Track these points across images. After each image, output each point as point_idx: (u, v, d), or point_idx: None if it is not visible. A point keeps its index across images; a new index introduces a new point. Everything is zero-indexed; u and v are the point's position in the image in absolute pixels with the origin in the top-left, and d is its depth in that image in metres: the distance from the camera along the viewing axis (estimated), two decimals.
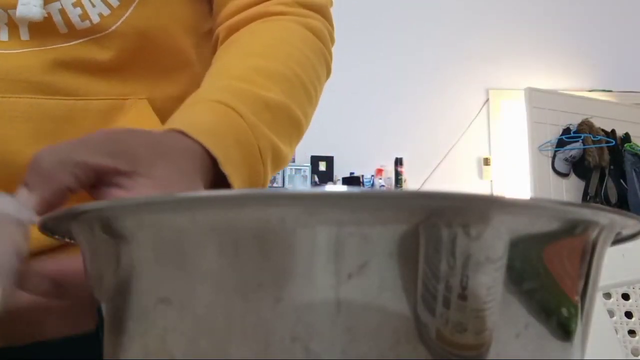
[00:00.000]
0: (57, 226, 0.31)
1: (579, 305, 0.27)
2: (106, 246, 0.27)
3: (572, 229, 0.26)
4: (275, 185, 3.96)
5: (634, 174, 3.72)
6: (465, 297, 0.23)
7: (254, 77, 0.50)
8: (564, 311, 0.26)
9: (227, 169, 0.43)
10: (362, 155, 4.41)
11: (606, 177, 3.72)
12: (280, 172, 4.03)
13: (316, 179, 4.32)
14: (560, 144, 3.75)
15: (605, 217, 0.26)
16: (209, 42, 0.62)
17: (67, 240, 0.31)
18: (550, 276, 0.25)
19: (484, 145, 4.55)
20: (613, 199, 3.69)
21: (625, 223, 0.28)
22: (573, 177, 3.79)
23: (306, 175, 4.29)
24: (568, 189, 3.75)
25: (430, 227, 0.23)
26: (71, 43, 0.53)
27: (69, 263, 0.34)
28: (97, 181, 0.38)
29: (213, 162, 0.43)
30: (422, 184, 4.42)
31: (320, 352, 0.23)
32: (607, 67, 4.67)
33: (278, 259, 0.23)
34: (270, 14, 0.57)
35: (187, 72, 0.60)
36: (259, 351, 0.23)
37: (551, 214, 0.25)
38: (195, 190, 0.40)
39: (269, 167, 0.49)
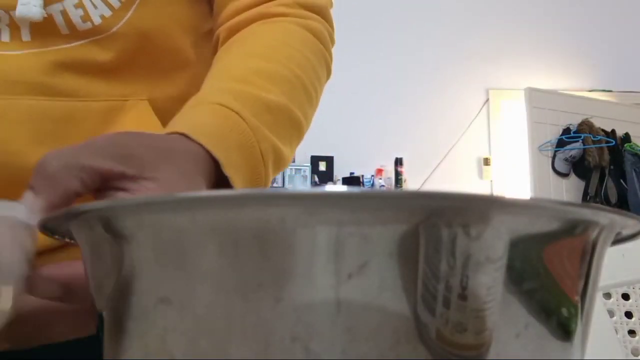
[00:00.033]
0: (57, 226, 0.31)
1: (579, 305, 0.27)
2: (106, 246, 0.27)
3: (572, 229, 0.26)
4: (275, 185, 3.96)
5: (634, 174, 3.72)
6: (465, 297, 0.23)
7: (255, 78, 0.50)
8: (564, 311, 0.26)
9: (229, 171, 0.44)
10: (362, 155, 4.41)
11: (606, 177, 3.72)
12: (280, 172, 4.01)
13: (316, 179, 4.32)
14: (560, 144, 3.75)
15: (605, 217, 0.26)
16: (208, 42, 0.62)
17: (67, 240, 0.31)
18: (550, 276, 0.25)
19: (484, 145, 4.56)
20: (613, 199, 3.69)
21: (625, 223, 0.28)
22: (573, 177, 3.79)
23: (306, 175, 4.29)
24: (568, 189, 3.75)
25: (430, 227, 0.23)
26: (72, 44, 0.53)
27: (78, 267, 0.34)
28: (103, 185, 0.38)
29: (215, 165, 0.44)
30: (422, 184, 4.42)
31: (320, 352, 0.23)
32: (607, 67, 4.67)
33: (278, 259, 0.23)
34: (271, 15, 0.57)
35: (187, 73, 0.60)
36: (259, 351, 0.23)
37: (551, 214, 0.25)
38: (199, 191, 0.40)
39: (270, 168, 0.49)
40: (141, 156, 0.39)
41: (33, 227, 0.34)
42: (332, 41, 0.61)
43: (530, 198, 0.24)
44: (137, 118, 0.54)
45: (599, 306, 0.93)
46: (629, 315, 0.97)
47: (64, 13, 0.52)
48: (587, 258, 0.27)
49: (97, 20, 0.53)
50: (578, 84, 4.62)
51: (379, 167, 4.41)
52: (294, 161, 4.08)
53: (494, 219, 0.24)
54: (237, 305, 0.23)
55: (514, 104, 4.44)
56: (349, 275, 0.23)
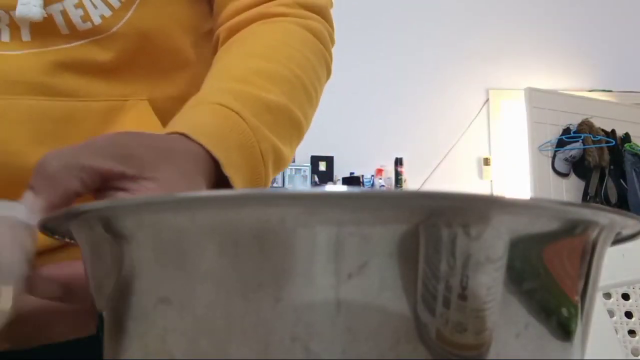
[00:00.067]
0: (57, 226, 0.31)
1: (579, 305, 0.27)
2: (106, 246, 0.27)
3: (572, 229, 0.26)
4: (275, 185, 3.96)
5: (634, 174, 3.72)
6: (465, 297, 0.23)
7: (255, 78, 0.50)
8: (564, 311, 0.26)
9: (229, 171, 0.44)
10: (362, 155, 4.41)
11: (606, 177, 3.72)
12: (280, 172, 4.01)
13: (316, 179, 4.32)
14: (560, 144, 3.75)
15: (605, 217, 0.26)
16: (208, 42, 0.62)
17: (67, 240, 0.32)
18: (550, 276, 0.25)
19: (484, 145, 4.56)
20: (613, 199, 3.69)
21: (625, 223, 0.28)
22: (573, 177, 3.79)
23: (306, 175, 4.29)
24: (568, 189, 3.75)
25: (430, 227, 0.23)
26: (72, 44, 0.53)
27: (78, 267, 0.34)
28: (103, 185, 0.38)
29: (215, 165, 0.44)
30: (422, 184, 4.42)
31: (320, 352, 0.23)
32: (607, 67, 4.67)
33: (278, 259, 0.23)
34: (271, 15, 0.57)
35: (187, 72, 0.60)
36: (259, 351, 0.23)
37: (551, 214, 0.25)
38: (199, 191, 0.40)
39: (270, 168, 0.49)
40: (141, 156, 0.39)
41: (33, 227, 0.34)
42: (332, 41, 0.61)
43: (530, 198, 0.24)
44: (137, 118, 0.54)
45: (599, 306, 0.93)
46: (629, 315, 0.97)
47: (64, 13, 0.52)
48: (587, 258, 0.27)
49: (97, 20, 0.53)
50: (578, 84, 4.62)
51: (379, 167, 4.41)
52: (294, 161, 4.08)
53: (494, 219, 0.24)
54: (237, 305, 0.23)
55: (514, 104, 4.44)
56: (349, 275, 0.23)
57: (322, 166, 4.40)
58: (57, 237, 0.32)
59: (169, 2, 0.58)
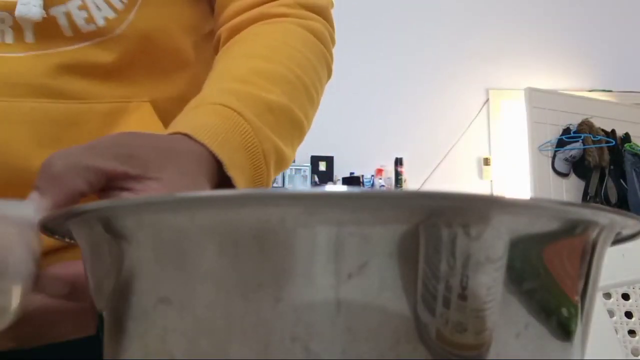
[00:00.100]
0: (57, 226, 0.31)
1: (579, 305, 0.27)
2: (106, 246, 0.27)
3: (572, 229, 0.26)
4: (275, 185, 3.96)
5: (634, 174, 3.72)
6: (465, 297, 0.23)
7: (256, 79, 0.50)
8: (564, 311, 0.26)
9: (232, 171, 0.44)
10: (362, 155, 4.41)
11: (606, 177, 3.72)
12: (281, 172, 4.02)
13: (316, 179, 4.32)
14: (560, 144, 3.75)
15: (605, 217, 0.26)
16: (209, 43, 0.62)
17: (67, 240, 0.32)
18: (550, 276, 0.25)
19: (484, 145, 4.55)
20: (613, 199, 3.68)
21: (625, 223, 0.28)
22: (573, 177, 3.79)
23: (306, 175, 4.29)
24: (568, 189, 3.75)
25: (430, 227, 0.23)
26: (75, 46, 0.53)
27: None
28: (107, 185, 0.38)
29: (218, 165, 0.44)
30: (422, 184, 4.42)
31: (320, 352, 0.23)
32: (607, 67, 4.67)
33: (278, 259, 0.23)
34: (272, 16, 0.57)
35: (187, 73, 0.60)
36: (259, 351, 0.23)
37: (551, 214, 0.25)
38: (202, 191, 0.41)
39: (272, 169, 0.49)
40: (144, 156, 0.39)
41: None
42: (333, 41, 0.61)
43: (530, 198, 0.24)
44: (140, 120, 0.54)
45: (599, 306, 0.93)
46: (629, 315, 0.97)
47: (67, 15, 0.52)
48: (587, 258, 0.27)
49: (100, 22, 0.53)
50: (578, 84, 4.62)
51: (379, 167, 4.41)
52: (294, 161, 4.07)
53: (494, 219, 0.24)
54: (237, 305, 0.23)
55: (514, 104, 4.43)
56: (349, 275, 0.23)
57: (322, 166, 4.40)
58: (57, 237, 0.32)
59: (170, 2, 0.58)
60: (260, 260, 0.23)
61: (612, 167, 3.74)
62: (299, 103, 0.53)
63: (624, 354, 0.93)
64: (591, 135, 3.72)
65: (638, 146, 3.82)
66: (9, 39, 0.51)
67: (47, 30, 0.52)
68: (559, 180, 3.76)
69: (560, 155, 3.75)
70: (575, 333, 0.27)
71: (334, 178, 4.38)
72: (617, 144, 3.80)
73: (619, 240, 0.30)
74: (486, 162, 4.53)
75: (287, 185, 4.19)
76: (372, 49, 4.51)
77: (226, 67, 0.54)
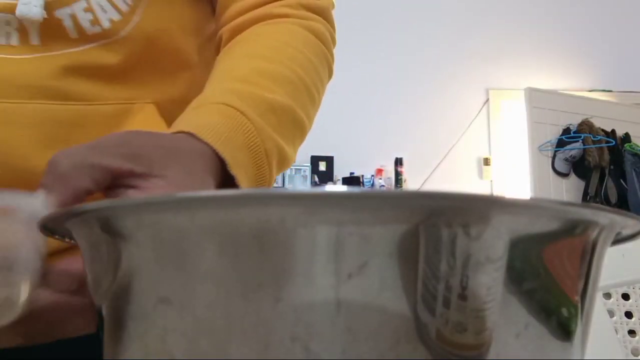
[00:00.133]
0: (57, 226, 0.31)
1: (579, 305, 0.27)
2: (106, 246, 0.27)
3: (572, 229, 0.26)
4: (275, 185, 3.95)
5: (634, 174, 3.72)
6: (465, 297, 0.23)
7: (259, 79, 0.51)
8: (564, 311, 0.26)
9: (235, 171, 0.44)
10: (362, 155, 4.41)
11: (606, 177, 3.72)
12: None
13: (316, 179, 4.32)
14: (560, 144, 3.75)
15: (605, 217, 0.26)
16: (211, 44, 0.63)
17: (67, 240, 0.32)
18: (550, 276, 0.25)
19: (484, 145, 4.55)
20: (613, 199, 3.68)
21: (625, 223, 0.28)
22: (573, 177, 3.79)
23: (306, 175, 4.29)
24: (568, 189, 3.75)
25: (430, 227, 0.23)
26: (81, 48, 0.53)
27: None
28: (113, 183, 0.39)
29: (221, 164, 0.44)
30: (422, 184, 4.42)
31: (320, 352, 0.23)
32: (607, 67, 4.67)
33: (278, 259, 0.23)
34: (274, 16, 0.58)
35: (189, 74, 0.61)
36: (259, 351, 0.23)
37: (551, 214, 0.25)
38: (207, 190, 0.41)
39: (274, 168, 0.49)
40: (149, 155, 0.40)
41: None
42: (334, 42, 0.62)
43: (530, 198, 0.24)
44: (144, 121, 0.55)
45: (599, 306, 0.93)
46: (629, 315, 0.97)
47: (72, 17, 0.52)
48: (587, 258, 0.27)
49: (106, 24, 0.53)
50: (578, 84, 4.62)
51: (379, 167, 4.41)
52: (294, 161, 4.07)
53: (494, 219, 0.24)
54: (237, 305, 0.23)
55: (514, 104, 4.43)
56: (349, 275, 0.23)
57: (322, 166, 4.39)
58: (57, 237, 0.32)
59: (174, 4, 0.58)
60: (260, 260, 0.23)
61: (612, 167, 3.74)
62: (301, 103, 0.53)
63: (624, 354, 0.93)
64: (591, 135, 3.72)
65: (638, 146, 3.82)
66: (14, 41, 0.51)
67: (52, 32, 0.52)
68: (559, 180, 3.76)
69: (560, 155, 3.75)
70: (575, 333, 0.27)
71: (334, 178, 4.38)
72: (617, 144, 3.80)
73: (619, 240, 0.30)
74: (486, 162, 4.53)
75: (287, 185, 4.18)
76: (373, 49, 4.51)
77: (228, 67, 0.54)
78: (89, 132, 0.52)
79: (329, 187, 0.23)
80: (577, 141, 3.72)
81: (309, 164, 4.33)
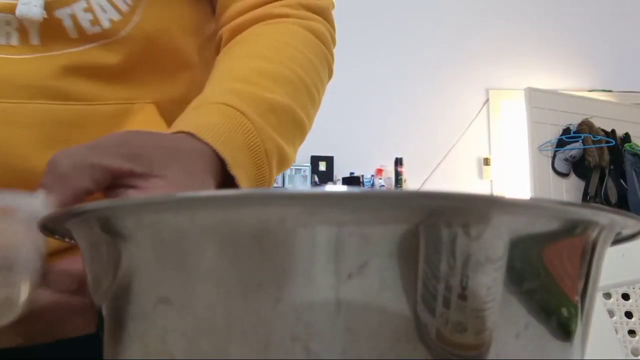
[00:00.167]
0: (57, 226, 0.31)
1: (579, 305, 0.27)
2: (106, 246, 0.27)
3: (572, 229, 0.26)
4: (275, 185, 3.95)
5: (634, 174, 3.72)
6: (465, 297, 0.23)
7: (258, 79, 0.51)
8: (564, 311, 0.26)
9: (235, 171, 0.44)
10: (362, 155, 4.41)
11: (606, 177, 3.72)
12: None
13: (316, 179, 4.32)
14: (560, 144, 3.75)
15: (605, 217, 0.26)
16: (211, 44, 0.63)
17: (66, 240, 0.32)
18: (550, 276, 0.25)
19: (484, 145, 4.55)
20: (613, 199, 3.68)
21: (625, 223, 0.28)
22: (573, 177, 3.79)
23: (306, 175, 4.29)
24: (568, 189, 3.75)
25: (430, 227, 0.23)
26: (81, 48, 0.53)
27: None
28: (113, 183, 0.39)
29: (221, 164, 0.44)
30: (422, 184, 4.42)
31: (320, 352, 0.23)
32: (607, 67, 4.67)
33: (278, 259, 0.23)
34: (274, 16, 0.58)
35: (189, 75, 0.61)
36: (259, 351, 0.23)
37: (551, 214, 0.25)
38: (207, 189, 0.41)
39: (274, 168, 0.49)
40: (149, 154, 0.40)
41: None
42: (334, 42, 0.62)
43: (530, 198, 0.24)
44: (144, 121, 0.55)
45: (599, 306, 0.93)
46: (629, 315, 0.97)
47: (72, 17, 0.52)
48: (587, 258, 0.27)
49: (106, 24, 0.54)
50: (578, 84, 4.62)
51: (379, 167, 4.41)
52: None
53: (494, 219, 0.24)
54: (237, 305, 0.23)
55: (514, 104, 4.43)
56: (349, 275, 0.23)
57: (322, 166, 4.39)
58: (57, 237, 0.32)
59: (174, 4, 0.58)
60: (260, 260, 0.23)
61: (612, 167, 3.74)
62: (301, 103, 0.53)
63: (624, 354, 0.93)
64: (591, 135, 3.72)
65: (638, 146, 3.82)
66: (14, 41, 0.52)
67: (52, 32, 0.52)
68: (559, 180, 3.76)
69: (560, 155, 3.75)
70: (575, 333, 0.27)
71: (334, 178, 4.37)
72: (617, 144, 3.80)
73: (619, 240, 0.30)
74: (486, 162, 4.53)
75: (287, 185, 4.18)
76: (373, 49, 4.51)
77: (228, 67, 0.54)
78: (89, 132, 0.52)
79: (329, 187, 0.23)
80: (577, 141, 3.72)
81: (309, 164, 4.33)
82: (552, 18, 4.68)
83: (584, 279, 0.27)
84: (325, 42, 0.59)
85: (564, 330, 0.26)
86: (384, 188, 4.02)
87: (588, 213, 0.26)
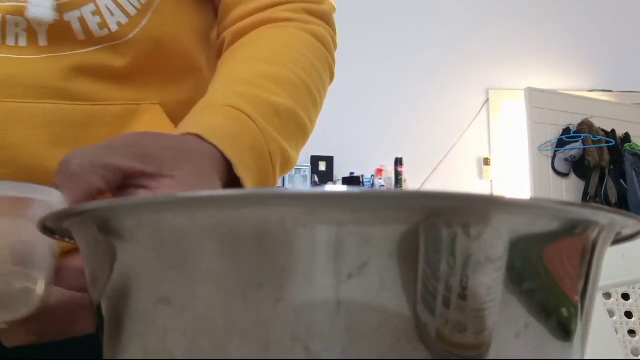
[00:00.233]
0: (57, 226, 0.31)
1: (579, 305, 0.27)
2: (106, 246, 0.27)
3: (572, 229, 0.26)
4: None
5: (634, 174, 3.72)
6: (465, 297, 0.23)
7: (262, 82, 0.51)
8: (564, 311, 0.26)
9: (242, 172, 0.45)
10: (362, 155, 4.41)
11: (606, 177, 3.72)
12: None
13: (316, 179, 4.32)
14: (560, 144, 3.75)
15: (605, 217, 0.26)
16: (215, 47, 0.63)
17: (66, 240, 0.32)
18: (550, 276, 0.25)
19: (484, 145, 4.55)
20: (613, 199, 3.68)
21: (625, 223, 0.28)
22: (573, 177, 3.79)
23: (306, 175, 4.29)
24: (568, 189, 3.75)
25: (430, 227, 0.23)
26: (88, 49, 0.54)
27: None
28: (124, 183, 0.39)
29: (227, 165, 0.45)
30: (422, 184, 4.42)
31: (320, 352, 0.23)
32: (607, 67, 4.67)
33: (278, 259, 0.23)
34: (277, 20, 0.58)
35: (196, 77, 0.62)
36: (259, 351, 0.23)
37: (551, 214, 0.25)
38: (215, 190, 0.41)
39: (278, 170, 0.50)
40: (159, 155, 0.40)
41: None
42: (335, 45, 0.62)
43: (530, 198, 0.24)
44: (151, 121, 0.55)
45: (599, 306, 0.93)
46: (629, 315, 0.97)
47: (81, 20, 0.53)
48: (587, 258, 0.27)
49: (113, 27, 0.54)
50: (578, 84, 4.62)
51: (379, 167, 4.41)
52: None
53: (494, 219, 0.24)
54: (237, 305, 0.23)
55: (514, 104, 4.43)
56: (349, 275, 0.23)
57: (322, 166, 4.39)
58: (57, 237, 0.32)
59: (182, 9, 0.59)
60: (260, 260, 0.23)
61: (612, 167, 3.75)
62: (304, 106, 0.53)
63: (624, 354, 0.93)
64: (591, 135, 3.72)
65: (638, 146, 3.82)
66: (22, 42, 0.52)
67: (60, 34, 0.53)
68: (559, 180, 3.76)
69: (560, 155, 3.75)
70: (575, 333, 0.27)
71: (334, 178, 4.37)
72: (617, 144, 3.80)
73: (619, 240, 0.30)
74: (486, 162, 4.53)
75: (287, 185, 4.18)
76: (373, 50, 4.51)
77: (231, 70, 0.54)
78: (97, 132, 0.52)
79: (329, 187, 0.23)
80: (577, 141, 3.72)
81: (309, 164, 4.33)
82: (552, 18, 4.68)
83: (584, 279, 0.27)
84: (327, 46, 0.60)
85: (564, 330, 0.26)
86: (384, 188, 4.02)
87: (588, 213, 0.26)
